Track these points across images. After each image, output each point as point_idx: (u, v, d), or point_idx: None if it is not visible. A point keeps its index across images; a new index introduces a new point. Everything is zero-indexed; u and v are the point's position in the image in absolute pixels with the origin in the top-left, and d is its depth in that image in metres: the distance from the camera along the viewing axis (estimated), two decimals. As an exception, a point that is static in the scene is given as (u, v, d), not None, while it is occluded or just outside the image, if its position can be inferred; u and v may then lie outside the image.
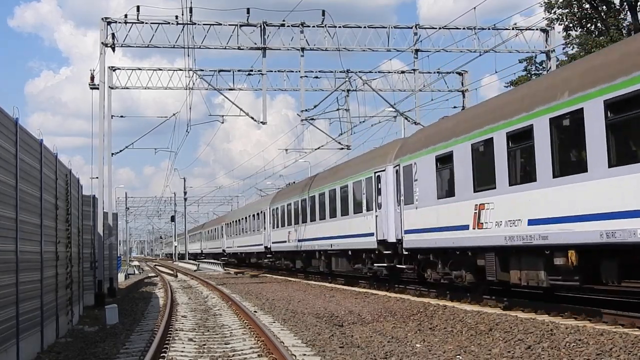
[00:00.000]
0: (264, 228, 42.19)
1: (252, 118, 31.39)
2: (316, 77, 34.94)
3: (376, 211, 22.81)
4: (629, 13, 36.28)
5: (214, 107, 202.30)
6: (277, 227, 38.94)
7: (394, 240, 21.49)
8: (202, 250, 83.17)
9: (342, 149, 35.12)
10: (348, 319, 15.62)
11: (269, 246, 41.29)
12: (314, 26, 30.14)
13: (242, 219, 51.75)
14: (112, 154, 31.51)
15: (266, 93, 31.43)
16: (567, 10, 37.10)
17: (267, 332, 12.44)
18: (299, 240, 33.53)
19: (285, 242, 36.73)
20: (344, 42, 30.34)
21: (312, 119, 33.03)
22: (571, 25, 37.45)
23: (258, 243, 44.44)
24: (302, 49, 29.96)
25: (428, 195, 18.74)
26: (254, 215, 46.47)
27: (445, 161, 17.86)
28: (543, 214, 13.64)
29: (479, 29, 30.86)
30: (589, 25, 37.84)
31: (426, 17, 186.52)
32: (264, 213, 42.47)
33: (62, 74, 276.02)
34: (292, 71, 34.77)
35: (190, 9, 28.39)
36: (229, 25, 29.68)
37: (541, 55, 33.93)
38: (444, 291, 19.44)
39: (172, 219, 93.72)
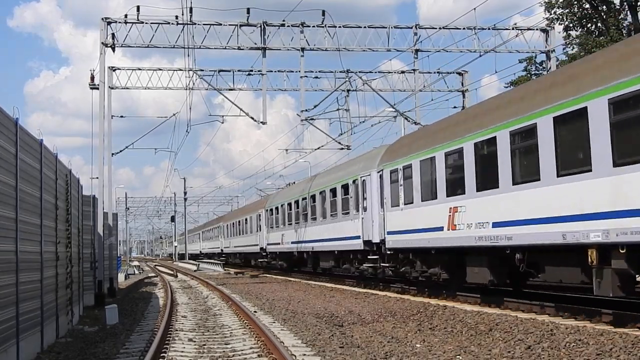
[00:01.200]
0: (363, 209, 24.02)
1: (252, 118, 31.42)
2: (316, 77, 35.03)
3: None
4: (629, 13, 36.29)
5: (214, 107, 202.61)
6: (406, 203, 20.61)
7: None
8: (222, 249, 65.47)
9: (342, 149, 35.13)
10: (348, 319, 15.61)
11: (376, 239, 22.94)
12: (314, 26, 30.16)
13: (305, 198, 33.21)
14: (112, 154, 31.53)
15: (266, 93, 31.47)
16: (567, 10, 37.11)
17: (267, 332, 12.43)
18: (494, 225, 15.72)
19: (436, 229, 18.58)
20: (344, 42, 30.39)
21: (312, 119, 33.06)
22: (571, 25, 37.46)
23: (345, 235, 26.07)
24: (302, 49, 29.97)
25: None
26: (334, 190, 27.98)
27: None
28: None
29: (479, 29, 30.89)
30: (589, 25, 37.84)
31: (426, 17, 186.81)
32: (364, 182, 24.05)
33: (61, 74, 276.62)
34: (292, 71, 34.82)
35: (190, 9, 28.45)
36: (229, 25, 29.71)
37: (541, 55, 33.95)
38: None
39: (172, 219, 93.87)
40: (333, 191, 28.17)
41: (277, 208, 40.01)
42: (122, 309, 18.72)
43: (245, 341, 12.53)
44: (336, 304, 19.25)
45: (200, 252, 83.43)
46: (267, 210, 43.06)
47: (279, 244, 39.21)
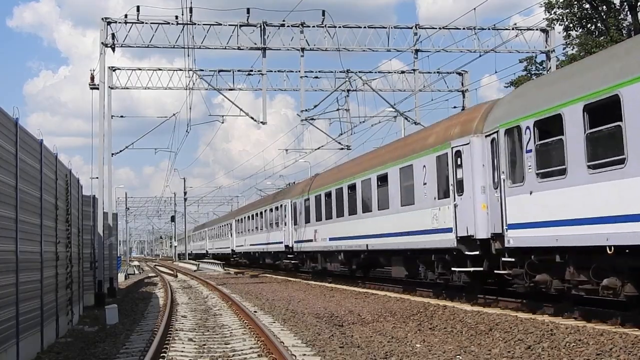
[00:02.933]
0: None
1: (252, 118, 31.42)
2: (316, 77, 35.00)
3: None
4: (629, 13, 36.30)
5: (213, 107, 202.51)
6: None
7: None
8: (290, 245, 35.45)
9: (342, 149, 35.14)
10: (348, 319, 15.61)
11: None
12: (314, 26, 30.14)
13: None
14: (112, 154, 31.50)
15: (266, 93, 31.45)
16: (567, 10, 37.10)
17: (267, 332, 12.43)
18: None
19: None
20: (344, 42, 30.36)
21: (312, 119, 33.07)
22: (571, 25, 37.44)
23: None
24: (302, 49, 29.94)
25: None
26: None
27: None
28: None
29: (479, 29, 30.87)
30: (589, 25, 37.84)
31: (425, 16, 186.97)
32: None
33: (61, 74, 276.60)
34: (292, 71, 34.81)
35: (190, 9, 28.41)
36: (229, 25, 29.69)
37: (541, 55, 33.95)
38: None
39: (172, 219, 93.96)
40: None
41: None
42: (122, 309, 18.73)
43: (245, 341, 12.54)
44: (336, 304, 19.25)
45: (233, 250, 53.06)
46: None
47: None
